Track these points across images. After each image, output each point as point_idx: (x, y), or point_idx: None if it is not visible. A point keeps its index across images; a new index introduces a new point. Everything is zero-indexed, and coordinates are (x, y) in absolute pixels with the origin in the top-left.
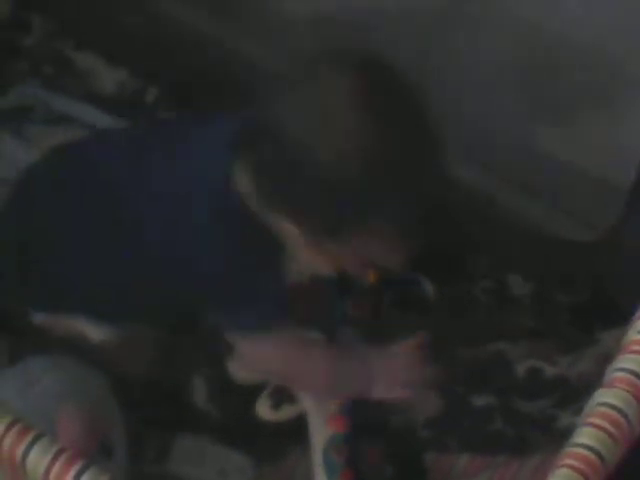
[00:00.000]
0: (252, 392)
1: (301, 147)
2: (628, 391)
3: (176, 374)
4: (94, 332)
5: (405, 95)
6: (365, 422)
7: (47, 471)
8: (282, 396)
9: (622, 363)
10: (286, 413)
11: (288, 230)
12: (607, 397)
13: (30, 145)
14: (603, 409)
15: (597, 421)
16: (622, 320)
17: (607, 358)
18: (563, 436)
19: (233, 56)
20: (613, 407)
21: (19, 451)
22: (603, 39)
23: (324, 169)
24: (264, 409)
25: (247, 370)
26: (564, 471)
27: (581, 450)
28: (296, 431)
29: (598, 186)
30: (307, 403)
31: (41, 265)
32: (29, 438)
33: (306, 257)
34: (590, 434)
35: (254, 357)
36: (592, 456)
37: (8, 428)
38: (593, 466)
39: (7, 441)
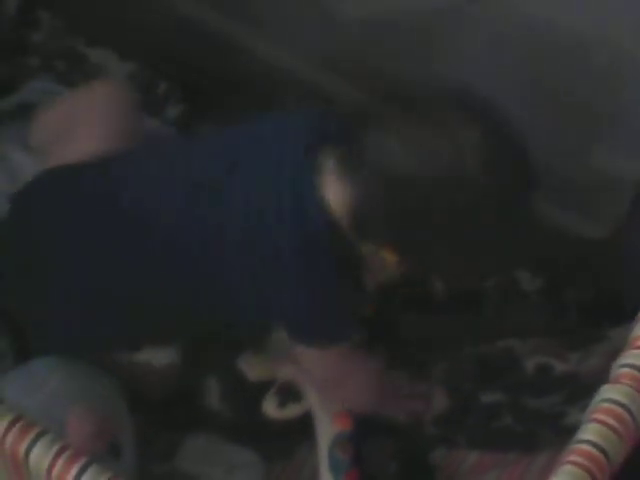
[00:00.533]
0: (263, 391)
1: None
2: (633, 387)
3: (189, 374)
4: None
5: (516, 144)
6: (374, 418)
7: (50, 468)
8: (288, 394)
9: (627, 359)
10: (292, 411)
11: (382, 258)
12: (612, 393)
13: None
14: (608, 405)
15: (601, 417)
16: (631, 316)
17: (616, 354)
18: (572, 433)
19: (245, 52)
20: (618, 403)
21: (22, 448)
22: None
23: (442, 217)
24: (270, 407)
25: (298, 375)
26: (568, 468)
27: (585, 446)
28: (305, 429)
29: (607, 181)
30: (313, 401)
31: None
32: (32, 435)
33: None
34: (594, 430)
35: (312, 364)
36: (596, 452)
37: (11, 425)
38: (597, 463)
39: (10, 438)
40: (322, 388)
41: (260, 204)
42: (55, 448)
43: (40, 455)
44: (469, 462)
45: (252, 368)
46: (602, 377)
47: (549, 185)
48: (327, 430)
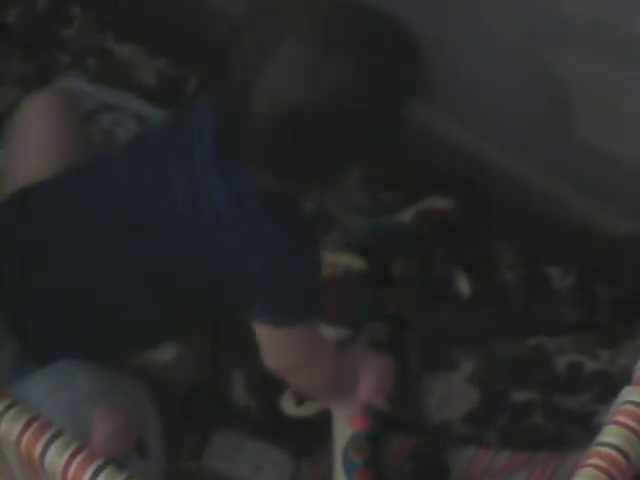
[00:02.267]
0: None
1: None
2: None
3: (215, 369)
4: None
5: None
6: (398, 416)
7: (65, 468)
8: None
9: None
10: (309, 409)
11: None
12: (634, 395)
13: None
14: (629, 407)
15: (623, 419)
16: None
17: None
18: None
19: None
20: None
21: (38, 447)
22: None
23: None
24: (288, 405)
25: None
26: (589, 471)
27: (606, 449)
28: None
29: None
30: None
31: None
32: (48, 435)
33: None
34: (616, 432)
35: (278, 346)
36: (618, 455)
37: (27, 424)
38: (618, 465)
39: (26, 437)
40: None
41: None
42: (71, 449)
43: (56, 455)
44: (499, 461)
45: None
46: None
47: (582, 180)
48: (343, 430)
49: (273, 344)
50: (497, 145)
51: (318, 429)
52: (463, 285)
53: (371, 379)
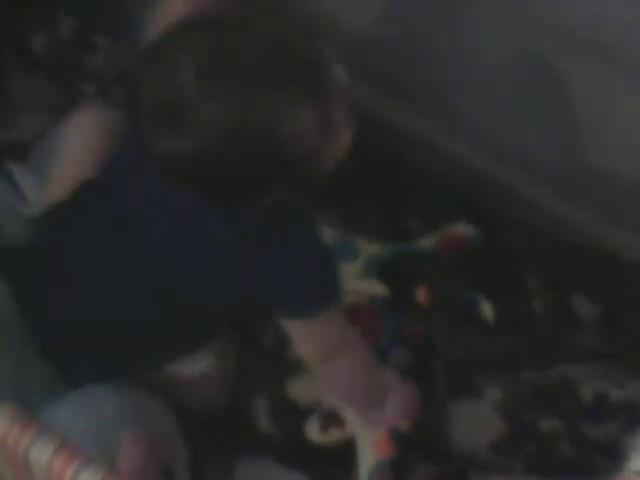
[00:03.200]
0: (310, 413)
1: None
2: None
3: (239, 396)
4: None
5: None
6: (423, 443)
7: None
8: (331, 419)
9: None
10: (334, 436)
11: None
12: None
13: None
14: None
15: None
16: None
17: None
18: None
19: None
20: None
21: (68, 474)
22: None
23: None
24: (313, 431)
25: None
26: None
27: (634, 477)
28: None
29: None
30: (355, 426)
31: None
32: (77, 462)
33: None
34: None
35: (309, 336)
36: None
37: (57, 451)
38: None
39: (56, 464)
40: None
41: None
42: (99, 476)
43: None
44: None
45: (298, 390)
46: None
47: (612, 211)
48: (368, 456)
49: (303, 336)
50: (524, 175)
51: (342, 455)
52: (487, 311)
53: (397, 402)
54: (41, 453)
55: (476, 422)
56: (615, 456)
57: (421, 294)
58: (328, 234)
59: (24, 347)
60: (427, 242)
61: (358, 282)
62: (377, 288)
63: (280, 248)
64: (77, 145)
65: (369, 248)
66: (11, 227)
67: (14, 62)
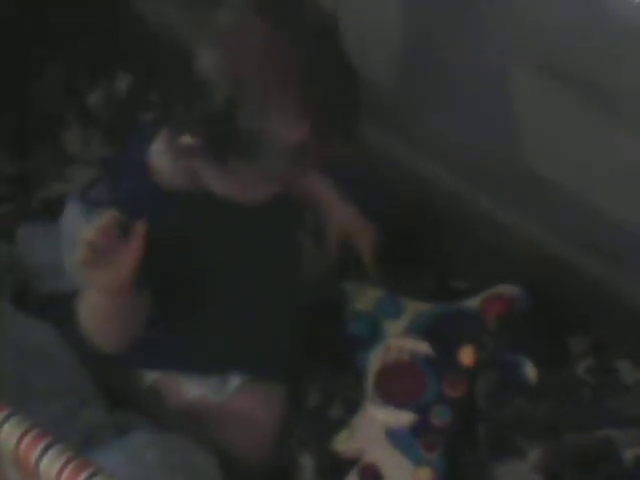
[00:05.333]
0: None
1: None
2: None
3: (284, 453)
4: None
5: None
6: None
7: None
8: (370, 475)
9: None
10: None
11: None
12: None
13: None
14: None
15: None
16: None
17: None
18: None
19: None
20: None
21: None
22: None
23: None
24: None
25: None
26: None
27: None
28: None
29: None
30: None
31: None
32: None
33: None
34: None
35: None
36: None
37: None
38: None
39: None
40: None
41: None
42: None
43: None
44: None
45: (340, 446)
46: None
47: None
48: None
49: None
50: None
51: None
52: (530, 373)
53: None
54: (51, 464)
55: None
56: None
57: (465, 354)
58: (376, 291)
59: (71, 392)
60: (473, 302)
61: (402, 339)
62: (420, 345)
63: None
64: None
65: (415, 306)
66: (53, 281)
67: (73, 116)
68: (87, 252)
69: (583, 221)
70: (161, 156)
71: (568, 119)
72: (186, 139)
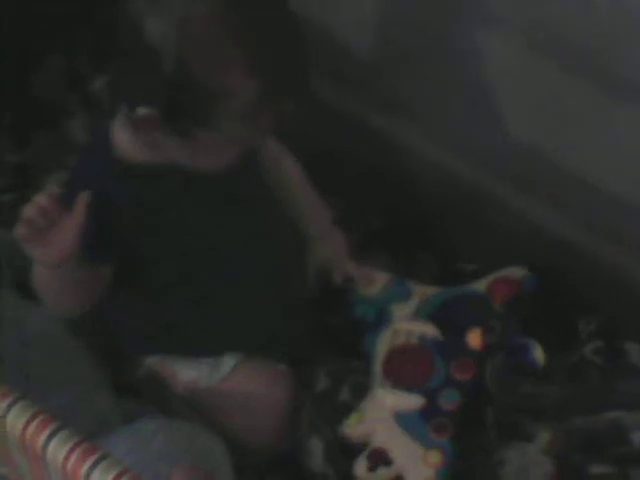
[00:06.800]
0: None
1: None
2: None
3: (294, 436)
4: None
5: None
6: None
7: None
8: (379, 458)
9: None
10: (382, 475)
11: None
12: None
13: None
14: None
15: None
16: None
17: None
18: None
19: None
20: None
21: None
22: None
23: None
24: (361, 470)
25: None
26: None
27: None
28: None
29: None
30: (403, 466)
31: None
32: (93, 458)
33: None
34: None
35: None
36: None
37: (73, 447)
38: None
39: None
40: None
41: None
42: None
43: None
44: None
45: (349, 430)
46: None
47: None
48: None
49: None
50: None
51: None
52: (538, 356)
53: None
54: (58, 450)
55: (525, 465)
56: None
57: (473, 337)
58: (383, 275)
59: (80, 380)
60: (480, 285)
61: (409, 322)
62: (428, 329)
63: None
64: None
65: (423, 290)
66: None
67: (76, 104)
68: (25, 228)
69: (591, 203)
70: (122, 131)
71: (569, 97)
72: (142, 110)
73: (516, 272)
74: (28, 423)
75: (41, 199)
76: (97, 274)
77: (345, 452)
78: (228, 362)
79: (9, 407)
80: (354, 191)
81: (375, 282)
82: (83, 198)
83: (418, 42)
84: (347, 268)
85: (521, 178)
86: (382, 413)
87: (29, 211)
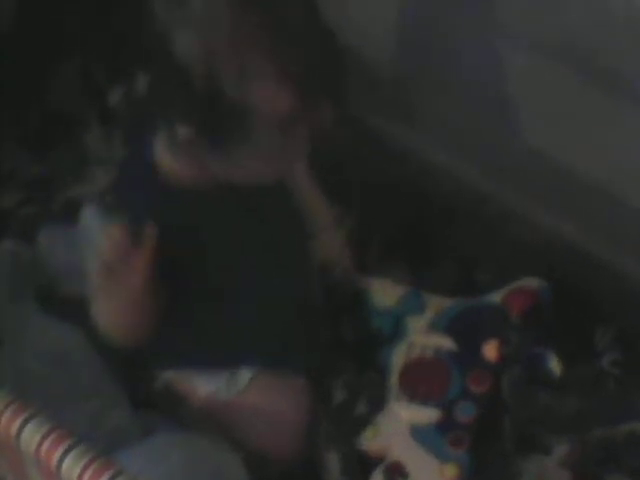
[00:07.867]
0: None
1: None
2: None
3: (310, 450)
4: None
5: None
6: None
7: None
8: (395, 472)
9: None
10: None
11: None
12: None
13: None
14: None
15: None
16: None
17: None
18: None
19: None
20: None
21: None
22: None
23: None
24: None
25: None
26: None
27: None
28: None
29: None
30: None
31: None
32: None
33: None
34: None
35: None
36: None
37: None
38: None
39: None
40: None
41: None
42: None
43: None
44: None
45: (367, 443)
46: None
47: None
48: None
49: None
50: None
51: None
52: (555, 367)
53: None
54: (73, 466)
55: (542, 478)
56: None
57: (489, 349)
58: (399, 287)
59: (98, 394)
60: (496, 297)
61: (425, 335)
62: (444, 341)
63: None
64: None
65: (438, 302)
66: (75, 283)
67: (94, 116)
68: (103, 272)
69: (606, 211)
70: (164, 154)
71: (587, 108)
72: (181, 130)
73: (532, 283)
74: (43, 439)
75: (113, 239)
76: (158, 299)
77: (361, 465)
78: (245, 375)
79: (25, 423)
80: (371, 202)
81: (391, 293)
82: (150, 231)
83: (435, 56)
84: (345, 262)
85: (537, 188)
86: (398, 427)
87: (104, 254)
